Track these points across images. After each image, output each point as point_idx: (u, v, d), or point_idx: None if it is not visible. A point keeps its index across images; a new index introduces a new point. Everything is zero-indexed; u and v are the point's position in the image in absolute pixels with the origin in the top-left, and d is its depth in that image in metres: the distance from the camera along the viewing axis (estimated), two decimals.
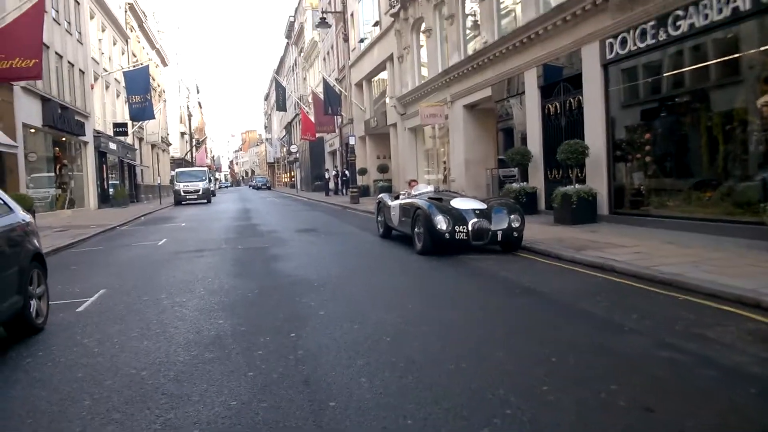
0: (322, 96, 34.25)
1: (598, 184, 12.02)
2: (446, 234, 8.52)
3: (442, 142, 22.66)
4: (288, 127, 68.34)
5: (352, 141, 28.14)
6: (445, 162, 22.38)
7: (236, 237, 12.93)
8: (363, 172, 32.12)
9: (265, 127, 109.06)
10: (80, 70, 26.28)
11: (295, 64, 64.02)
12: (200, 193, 34.19)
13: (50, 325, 5.27)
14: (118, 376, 3.77)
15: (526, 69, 14.66)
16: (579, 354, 3.88)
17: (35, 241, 5.49)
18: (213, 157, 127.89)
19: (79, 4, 26.86)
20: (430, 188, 11.31)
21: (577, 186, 11.99)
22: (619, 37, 11.02)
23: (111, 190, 31.55)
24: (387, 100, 27.80)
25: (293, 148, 64.29)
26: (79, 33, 26.58)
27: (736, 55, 8.98)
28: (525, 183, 14.61)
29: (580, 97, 12.56)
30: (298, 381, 3.49)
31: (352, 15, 33.73)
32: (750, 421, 2.85)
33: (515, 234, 8.73)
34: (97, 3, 30.37)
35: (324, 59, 45.03)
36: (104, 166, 30.39)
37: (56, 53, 22.80)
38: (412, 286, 6.64)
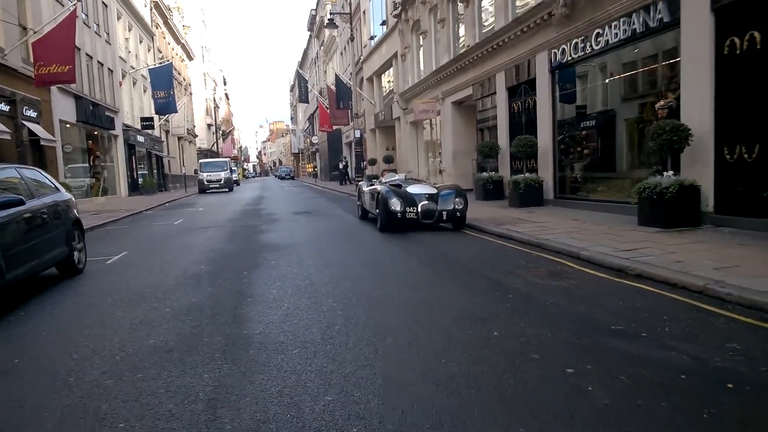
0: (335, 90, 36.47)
1: (546, 173, 13.96)
2: (398, 214, 10.17)
3: (439, 135, 24.62)
4: (311, 119, 70.60)
5: (357, 134, 30.37)
6: (440, 153, 24.35)
7: (240, 218, 15.23)
8: (373, 162, 34.20)
9: (291, 118, 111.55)
10: (109, 68, 28.94)
11: (317, 57, 66.06)
12: (222, 182, 36.76)
13: (88, 270, 7.60)
14: (130, 291, 6.06)
15: (497, 72, 16.58)
16: (421, 278, 6.05)
17: (75, 212, 7.79)
18: (240, 147, 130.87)
19: (106, 6, 29.46)
20: (399, 176, 13.29)
21: (526, 175, 13.96)
22: (561, 47, 12.92)
23: (140, 179, 34.34)
24: (385, 96, 29.86)
25: (314, 140, 66.78)
26: (107, 34, 29.19)
27: (638, 71, 10.87)
28: (493, 172, 16.59)
29: (535, 98, 14.46)
30: (235, 291, 5.76)
31: (364, 13, 35.78)
32: (484, 308, 4.89)
33: (458, 214, 10.32)
34: (124, 4, 32.96)
35: (341, 54, 47.07)
36: (133, 157, 33.16)
37: (87, 54, 25.39)
38: (351, 250, 8.76)
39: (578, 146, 13.29)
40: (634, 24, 10.36)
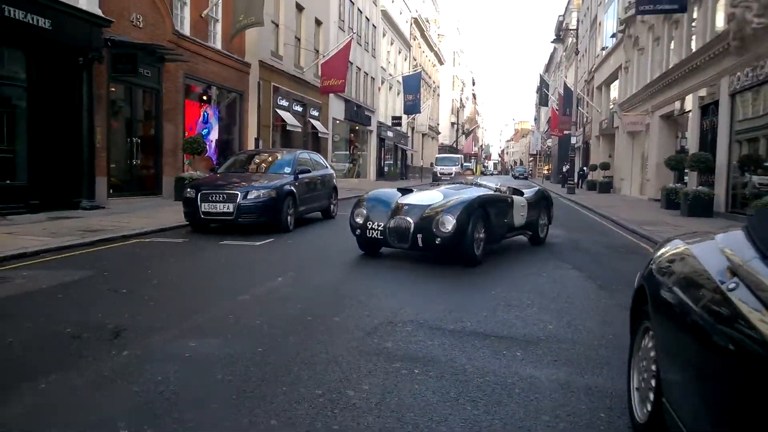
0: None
1: (719, 188, 15.26)
2: (358, 230, 7.39)
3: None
4: (549, 122, 72.12)
5: (573, 141, 32.21)
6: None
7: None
8: (594, 168, 35.65)
9: (535, 119, 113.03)
10: (371, 77, 35.78)
11: (560, 62, 67.28)
12: (452, 175, 41.78)
13: (338, 217, 12.50)
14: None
15: (693, 90, 17.89)
16: (516, 243, 9.37)
17: (334, 182, 12.76)
18: (481, 145, 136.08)
19: (375, 27, 36.32)
20: (472, 179, 10.27)
21: (699, 188, 15.43)
22: (737, 74, 14.24)
23: (386, 168, 41.21)
24: (612, 105, 31.18)
25: (549, 142, 68.36)
26: (373, 49, 36.04)
27: None
28: (679, 184, 17.99)
29: (718, 118, 15.73)
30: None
31: (600, 24, 37.17)
32: (534, 255, 8.10)
33: (438, 241, 6.71)
34: (389, 23, 39.77)
35: (580, 60, 48.34)
36: (382, 149, 40.04)
37: (357, 66, 32.22)
38: None
39: (752, 165, 14.40)
40: None
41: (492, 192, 7.98)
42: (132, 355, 3.50)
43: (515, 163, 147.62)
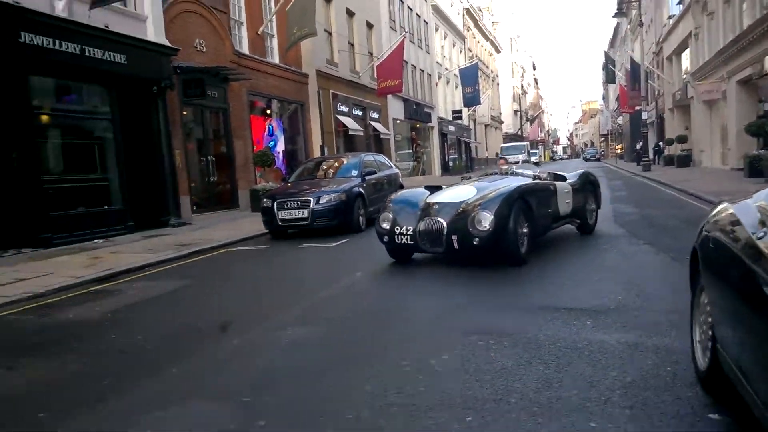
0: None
1: None
2: (385, 236, 6.61)
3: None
4: (618, 99, 69.48)
5: (644, 116, 31.10)
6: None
7: None
8: (670, 142, 34.22)
9: (603, 98, 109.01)
10: (428, 73, 35.96)
11: (625, 35, 64.70)
12: (520, 163, 41.41)
13: None
14: None
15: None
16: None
17: (400, 181, 13.10)
18: (548, 130, 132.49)
19: (427, 23, 36.48)
20: (523, 170, 8.80)
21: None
22: None
23: (450, 162, 41.27)
24: (684, 75, 29.86)
25: (620, 120, 66.00)
26: (427, 45, 36.22)
27: None
28: (763, 150, 17.12)
29: None
30: None
31: None
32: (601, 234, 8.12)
33: (476, 241, 5.89)
34: (440, 17, 39.80)
35: (646, 32, 46.39)
36: (445, 144, 40.13)
37: (411, 65, 32.50)
38: None
39: None
40: None
41: (531, 180, 7.19)
42: (241, 343, 4.03)
43: (585, 145, 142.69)
